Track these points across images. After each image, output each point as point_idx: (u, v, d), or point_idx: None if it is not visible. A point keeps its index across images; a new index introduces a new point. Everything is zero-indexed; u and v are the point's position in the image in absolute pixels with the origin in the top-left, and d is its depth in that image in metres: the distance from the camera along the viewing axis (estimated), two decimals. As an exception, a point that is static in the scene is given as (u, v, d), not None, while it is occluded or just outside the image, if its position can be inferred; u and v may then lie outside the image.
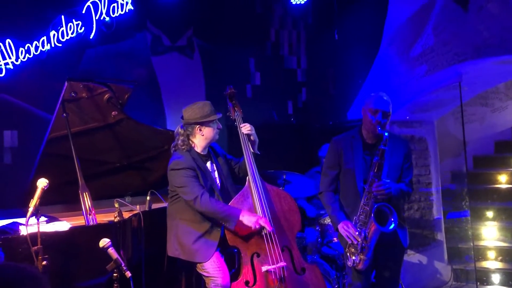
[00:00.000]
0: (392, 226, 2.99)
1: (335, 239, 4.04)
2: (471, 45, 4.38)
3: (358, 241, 3.06)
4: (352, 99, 5.44)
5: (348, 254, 3.15)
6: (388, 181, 3.06)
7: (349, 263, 3.13)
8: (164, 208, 3.56)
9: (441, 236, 5.54)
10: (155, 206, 3.83)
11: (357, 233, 3.07)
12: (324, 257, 4.28)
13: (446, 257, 5.50)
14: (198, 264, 3.29)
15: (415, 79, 4.74)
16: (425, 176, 5.42)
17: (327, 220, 4.16)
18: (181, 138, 3.39)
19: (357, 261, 3.09)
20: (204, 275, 3.28)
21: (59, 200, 3.69)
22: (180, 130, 3.42)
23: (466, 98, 4.96)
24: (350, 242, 3.10)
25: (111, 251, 2.43)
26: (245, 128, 3.45)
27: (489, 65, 4.53)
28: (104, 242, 2.46)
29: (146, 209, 3.66)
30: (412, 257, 5.15)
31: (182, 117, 3.43)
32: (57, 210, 3.73)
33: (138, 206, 3.91)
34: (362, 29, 5.13)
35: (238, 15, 5.52)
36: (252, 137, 3.48)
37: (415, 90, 4.76)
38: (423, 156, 5.35)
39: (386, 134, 3.04)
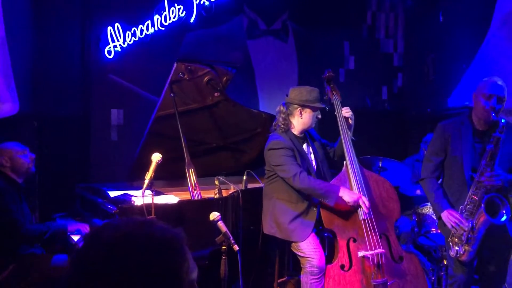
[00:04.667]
0: (504, 218, 2.83)
1: (433, 229, 3.88)
2: None
3: (464, 231, 2.91)
4: (454, 85, 5.15)
5: (451, 244, 3.02)
6: (500, 171, 2.88)
7: (452, 253, 3.00)
8: (260, 188, 3.63)
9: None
10: (250, 185, 3.91)
11: (464, 222, 2.93)
12: (418, 248, 4.14)
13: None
14: (293, 244, 3.32)
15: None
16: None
17: (425, 210, 4.01)
18: (282, 116, 3.42)
19: (461, 252, 2.95)
20: (299, 255, 3.30)
21: (162, 176, 3.88)
22: (282, 108, 3.45)
23: None
24: (454, 231, 2.97)
25: (221, 224, 2.52)
26: (346, 112, 3.41)
27: None
28: (214, 215, 2.56)
29: (242, 188, 3.75)
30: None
31: (287, 95, 3.46)
32: (159, 185, 3.93)
33: (232, 186, 4.01)
34: (470, 10, 4.81)
35: (333, -3, 5.43)
36: (350, 121, 3.44)
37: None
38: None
39: (503, 120, 2.86)
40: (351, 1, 5.58)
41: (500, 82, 2.99)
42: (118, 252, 0.90)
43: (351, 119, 3.45)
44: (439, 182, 3.23)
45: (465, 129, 3.08)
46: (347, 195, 3.16)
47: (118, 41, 4.70)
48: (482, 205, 2.84)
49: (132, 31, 4.75)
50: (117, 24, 4.70)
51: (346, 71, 5.59)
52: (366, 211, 3.18)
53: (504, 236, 3.00)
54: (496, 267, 3.07)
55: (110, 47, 4.70)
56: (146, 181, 2.81)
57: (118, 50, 4.72)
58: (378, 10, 5.70)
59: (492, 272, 3.08)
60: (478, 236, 2.90)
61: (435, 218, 3.90)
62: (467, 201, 2.95)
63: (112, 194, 3.52)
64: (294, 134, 3.44)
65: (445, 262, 3.69)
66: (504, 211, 2.84)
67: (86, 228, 3.41)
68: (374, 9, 5.69)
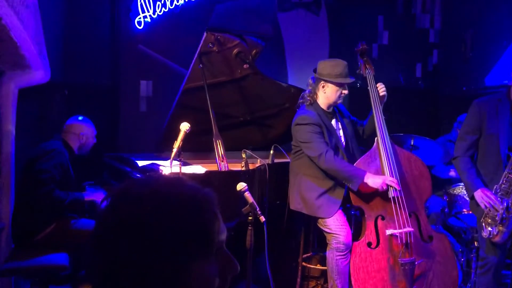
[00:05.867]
0: (542, 199, 2.71)
1: (465, 210, 3.78)
2: None
3: (498, 211, 2.81)
4: (492, 63, 4.94)
5: (483, 224, 2.92)
6: None
7: (485, 234, 2.90)
8: (287, 163, 3.58)
9: None
10: (276, 160, 3.87)
11: (498, 202, 2.82)
12: (447, 229, 4.05)
13: None
14: (320, 220, 3.28)
15: None
16: None
17: (457, 190, 3.90)
18: (309, 88, 3.36)
19: (494, 233, 2.85)
20: (326, 231, 3.26)
21: (189, 148, 3.88)
22: (310, 81, 3.39)
23: None
24: (487, 211, 2.87)
25: (247, 195, 2.50)
26: (381, 90, 3.31)
27: None
28: (241, 186, 2.53)
29: (269, 162, 3.71)
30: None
31: (314, 70, 3.38)
32: (186, 156, 3.93)
33: (258, 159, 3.98)
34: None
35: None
36: (384, 99, 3.35)
37: None
38: None
39: None
40: (387, -27, 5.39)
41: None
42: (148, 209, 0.87)
43: (385, 97, 3.35)
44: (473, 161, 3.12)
45: (502, 107, 2.97)
46: (371, 181, 3.07)
47: (148, 11, 4.67)
48: (519, 184, 2.73)
49: (162, 2, 4.71)
50: (147, -5, 4.66)
51: (379, 47, 5.43)
52: (398, 188, 3.10)
53: (540, 219, 2.88)
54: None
55: (140, 18, 4.68)
56: (174, 150, 2.80)
57: (148, 21, 4.70)
58: (415, -17, 5.49)
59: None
60: (513, 216, 2.80)
61: (467, 198, 3.79)
62: (503, 180, 2.85)
63: (141, 163, 3.54)
64: (322, 109, 3.36)
65: (476, 244, 3.59)
66: (542, 192, 2.73)
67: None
68: (411, -18, 5.48)
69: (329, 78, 3.27)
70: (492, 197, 2.87)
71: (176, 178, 0.95)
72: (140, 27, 4.68)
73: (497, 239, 2.87)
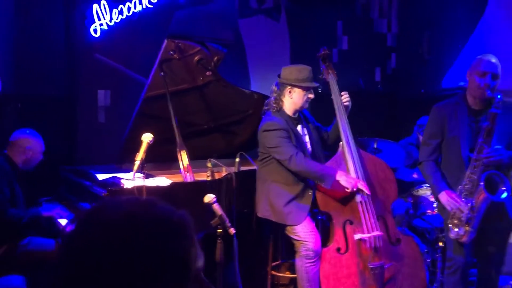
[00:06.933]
0: (504, 195, 2.79)
1: (429, 211, 3.84)
2: None
3: (463, 212, 2.86)
4: (448, 65, 5.08)
5: (450, 225, 2.96)
6: (500, 147, 2.84)
7: (452, 235, 2.94)
8: (253, 170, 3.54)
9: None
10: (243, 168, 3.81)
11: (463, 203, 2.87)
12: (412, 230, 4.10)
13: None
14: (288, 228, 3.24)
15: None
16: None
17: (421, 192, 3.97)
18: (274, 95, 3.33)
19: (462, 233, 2.90)
20: (294, 239, 3.23)
21: (152, 159, 3.77)
22: (274, 87, 3.36)
23: None
24: (453, 213, 2.92)
25: (216, 207, 2.43)
26: (345, 99, 3.33)
27: None
28: (209, 197, 2.46)
29: (236, 170, 3.65)
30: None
31: (279, 75, 3.35)
32: (149, 168, 3.82)
33: (224, 168, 3.92)
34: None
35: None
36: (348, 107, 3.36)
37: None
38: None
39: (499, 96, 2.82)
40: (344, -21, 5.46)
41: (494, 60, 2.97)
42: (118, 234, 0.79)
43: (349, 105, 3.36)
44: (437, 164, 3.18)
45: (460, 110, 3.04)
46: (344, 180, 3.07)
47: (105, 19, 4.53)
48: (481, 182, 2.80)
49: (119, 9, 4.58)
50: (103, 2, 4.52)
51: (339, 51, 5.48)
52: (368, 193, 3.10)
53: (502, 217, 2.96)
54: (495, 249, 3.03)
55: (96, 26, 4.53)
56: (137, 163, 2.69)
57: (104, 29, 4.55)
58: (372, -11, 5.59)
59: (491, 254, 3.04)
60: (478, 215, 2.85)
61: (430, 199, 3.87)
62: (466, 181, 2.91)
63: (100, 177, 3.40)
64: (288, 115, 3.34)
65: (440, 244, 3.66)
66: (504, 188, 2.80)
67: (64, 212, 3.33)
68: (368, -12, 5.58)
69: (296, 82, 3.26)
70: (457, 198, 2.91)
71: (149, 200, 0.87)
72: (97, 35, 4.53)
73: (464, 239, 2.91)
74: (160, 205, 0.87)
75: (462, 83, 4.57)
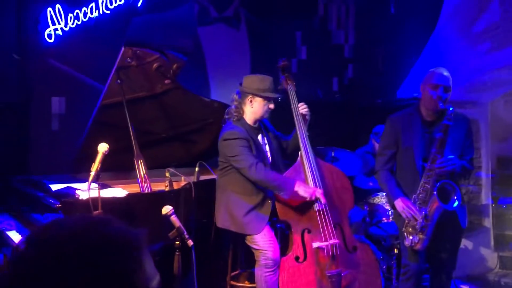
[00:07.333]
0: (456, 204, 2.90)
1: (384, 219, 3.94)
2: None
3: (418, 220, 2.95)
4: (403, 77, 5.24)
5: (405, 233, 3.04)
6: (452, 157, 2.95)
7: (407, 243, 3.03)
8: (213, 180, 3.51)
9: (488, 222, 5.35)
10: (202, 177, 3.78)
11: (417, 211, 2.96)
12: (368, 237, 4.18)
13: (492, 243, 5.32)
14: (248, 237, 3.24)
15: (476, 56, 4.50)
16: (475, 160, 5.20)
17: (377, 200, 4.07)
18: (235, 104, 3.33)
19: (416, 241, 2.98)
20: (254, 248, 3.23)
21: (108, 168, 3.68)
22: (235, 96, 3.36)
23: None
24: (408, 221, 3.00)
25: (174, 218, 2.39)
26: (303, 109, 3.36)
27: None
28: (167, 209, 2.42)
29: (195, 180, 3.62)
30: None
31: (240, 83, 3.36)
32: (106, 177, 3.73)
33: (183, 178, 3.88)
34: (420, 2, 4.90)
35: (286, -14, 5.36)
36: (306, 117, 3.40)
37: (474, 68, 4.53)
38: (475, 139, 5.13)
39: (451, 108, 2.93)
40: (303, -10, 5.54)
41: (445, 73, 3.09)
42: (64, 256, 0.77)
43: (307, 115, 3.40)
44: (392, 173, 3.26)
45: (414, 121, 3.15)
46: (302, 190, 3.10)
47: (59, 24, 4.40)
48: (435, 192, 2.89)
49: (74, 14, 4.45)
50: (58, 6, 4.38)
51: (298, 62, 5.55)
52: (325, 202, 3.15)
53: (454, 224, 3.07)
54: (447, 255, 3.14)
55: (50, 30, 4.39)
56: (92, 173, 2.61)
57: (59, 34, 4.42)
58: (329, 1, 5.69)
59: (443, 260, 3.15)
60: (431, 223, 2.95)
61: (386, 207, 3.97)
62: (420, 190, 3.00)
63: (54, 187, 3.29)
64: (248, 124, 3.35)
65: (395, 251, 3.75)
66: (455, 197, 2.91)
67: (13, 224, 3.20)
68: (326, 0, 5.67)
69: (257, 92, 3.27)
70: (412, 206, 2.99)
71: (101, 220, 0.85)
72: (51, 40, 4.39)
73: (418, 246, 3.00)
74: (113, 225, 0.85)
75: (416, 94, 4.72)
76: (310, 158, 3.28)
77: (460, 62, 4.59)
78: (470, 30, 4.58)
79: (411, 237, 3.00)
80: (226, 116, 3.39)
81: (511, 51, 4.38)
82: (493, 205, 5.44)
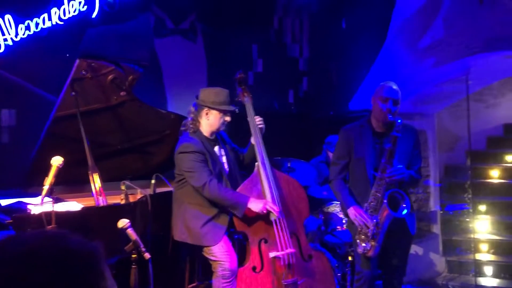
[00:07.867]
0: (405, 212, 3.03)
1: (339, 227, 4.04)
2: (483, 38, 4.38)
3: (369, 228, 3.06)
4: (354, 89, 5.43)
5: (358, 241, 3.15)
6: (401, 166, 3.08)
7: (360, 250, 3.13)
8: (170, 192, 3.51)
9: (436, 228, 5.60)
10: (158, 190, 3.76)
11: (369, 219, 3.07)
12: (324, 245, 4.28)
13: (441, 248, 5.56)
14: (205, 248, 3.25)
15: (422, 70, 4.73)
16: (423, 169, 5.45)
17: (331, 208, 4.17)
18: (191, 116, 3.35)
19: (368, 248, 3.09)
20: (211, 259, 3.24)
21: (62, 181, 3.60)
22: (191, 108, 3.38)
23: (470, 92, 5.00)
24: (360, 228, 3.11)
25: (130, 231, 2.37)
26: (259, 122, 3.43)
27: (499, 59, 4.53)
28: (123, 222, 2.40)
29: (151, 192, 3.59)
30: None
31: (197, 96, 3.38)
32: (59, 191, 3.64)
33: (139, 190, 3.84)
34: (369, 18, 5.11)
35: (241, 0, 5.45)
36: (262, 130, 3.47)
37: (421, 81, 4.76)
38: (423, 149, 5.37)
39: (399, 121, 3.07)
40: (259, 4, 5.64)
41: (395, 87, 3.23)
42: (22, 271, 0.77)
43: (263, 128, 3.47)
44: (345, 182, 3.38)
45: (365, 132, 3.27)
46: (254, 206, 3.16)
47: (9, 34, 4.28)
48: (385, 200, 3.01)
49: (25, 24, 4.34)
50: (7, 16, 4.27)
51: (254, 74, 5.64)
52: (277, 215, 3.21)
53: (404, 231, 3.20)
54: (398, 261, 3.27)
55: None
56: (46, 187, 2.56)
57: (9, 44, 4.29)
58: (284, 15, 5.83)
59: (394, 265, 3.27)
60: (382, 231, 3.06)
61: (340, 216, 4.08)
62: (371, 198, 3.11)
63: (4, 202, 3.18)
64: (205, 136, 3.38)
65: (349, 259, 3.86)
66: (404, 205, 3.04)
67: None
68: (281, 13, 5.81)
69: (213, 105, 3.31)
70: (364, 214, 3.11)
71: (58, 234, 0.86)
72: (1, 51, 4.27)
73: (370, 253, 3.11)
74: (69, 239, 0.85)
75: (366, 108, 4.91)
76: (267, 169, 3.34)
77: (407, 76, 4.82)
78: (417, 46, 4.82)
79: (363, 244, 3.11)
80: (182, 128, 3.40)
81: (455, 66, 4.65)
82: (441, 212, 5.70)
